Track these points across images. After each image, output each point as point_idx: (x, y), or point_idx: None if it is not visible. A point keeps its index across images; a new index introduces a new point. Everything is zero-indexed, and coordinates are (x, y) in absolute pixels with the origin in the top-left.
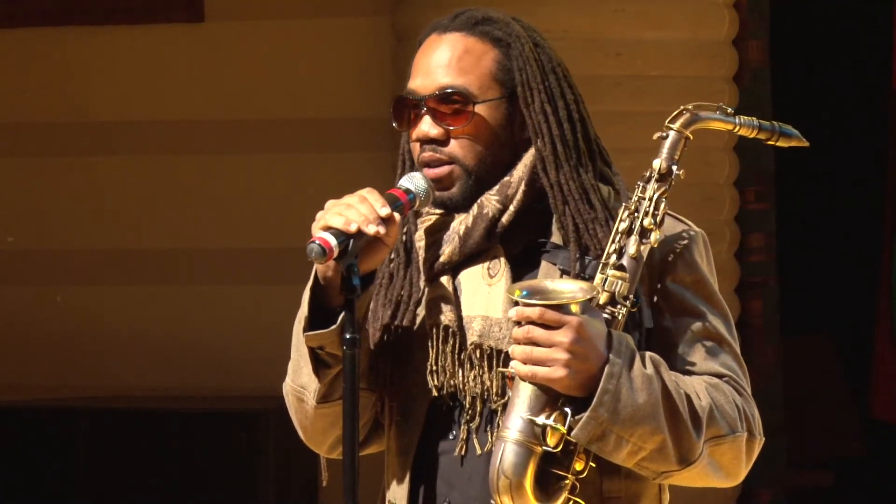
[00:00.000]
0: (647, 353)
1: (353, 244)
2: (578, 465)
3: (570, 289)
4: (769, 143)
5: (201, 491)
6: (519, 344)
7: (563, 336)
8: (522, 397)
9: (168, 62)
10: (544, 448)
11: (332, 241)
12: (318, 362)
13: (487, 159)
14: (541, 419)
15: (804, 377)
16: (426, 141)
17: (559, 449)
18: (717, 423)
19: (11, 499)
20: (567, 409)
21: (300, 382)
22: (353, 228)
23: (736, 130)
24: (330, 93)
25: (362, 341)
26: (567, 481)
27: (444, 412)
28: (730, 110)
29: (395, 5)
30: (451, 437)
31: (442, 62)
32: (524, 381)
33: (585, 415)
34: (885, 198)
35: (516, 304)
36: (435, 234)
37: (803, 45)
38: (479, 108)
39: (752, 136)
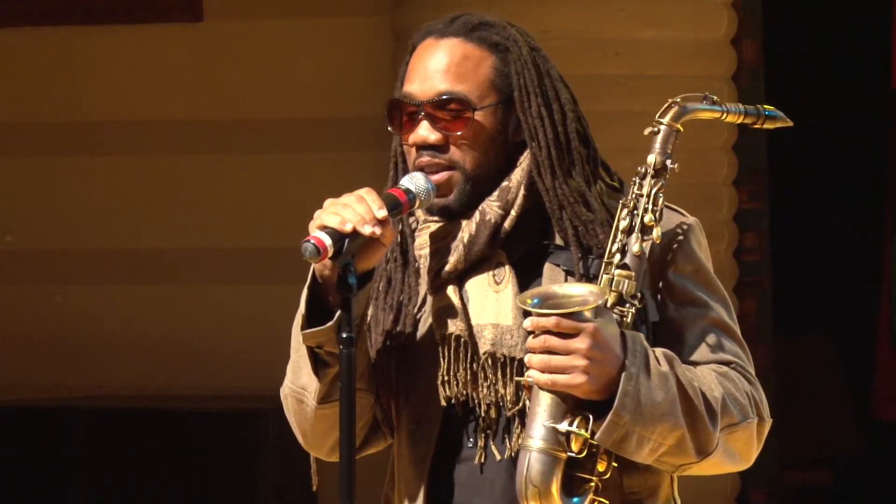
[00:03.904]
0: (660, 350)
1: (349, 244)
2: (601, 467)
3: (579, 292)
4: (755, 126)
5: (201, 491)
6: (535, 353)
7: (581, 343)
8: (542, 405)
9: (167, 62)
10: (569, 454)
11: (327, 241)
12: (318, 362)
13: (484, 165)
14: (563, 426)
15: (803, 377)
16: (424, 147)
17: (584, 454)
18: (730, 412)
19: (10, 499)
20: (588, 414)
21: (300, 384)
22: (348, 228)
23: (723, 118)
24: (330, 93)
25: (360, 342)
26: (591, 483)
27: (459, 420)
28: (716, 98)
29: (395, 5)
30: (468, 444)
31: (440, 67)
32: (544, 389)
33: (608, 418)
34: (885, 198)
35: (528, 314)
36: (437, 243)
37: (803, 44)
38: (478, 115)
39: (738, 121)
